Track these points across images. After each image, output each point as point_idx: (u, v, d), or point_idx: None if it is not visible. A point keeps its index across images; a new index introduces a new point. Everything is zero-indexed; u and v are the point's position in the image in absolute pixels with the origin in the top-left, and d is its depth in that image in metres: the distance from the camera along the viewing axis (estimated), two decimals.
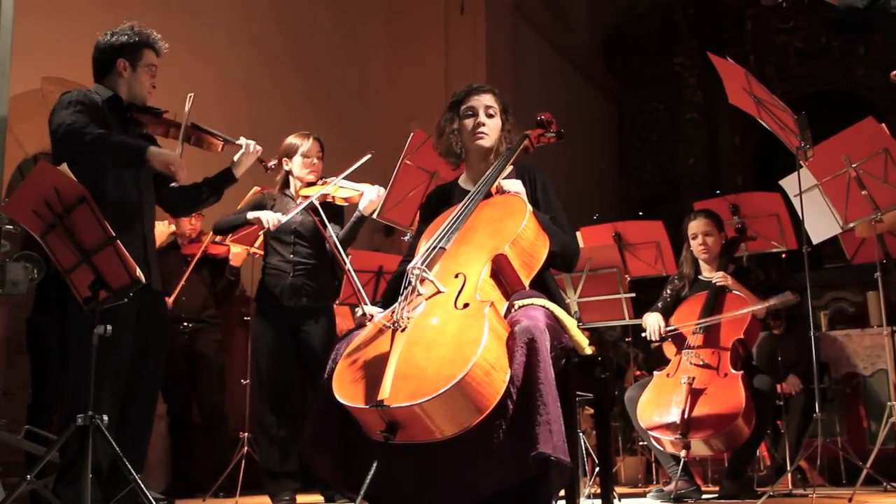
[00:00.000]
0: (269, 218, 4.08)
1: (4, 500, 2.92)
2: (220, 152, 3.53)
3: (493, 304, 2.34)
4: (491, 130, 2.90)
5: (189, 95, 3.37)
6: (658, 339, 4.46)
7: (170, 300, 5.22)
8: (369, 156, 4.19)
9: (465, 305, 2.35)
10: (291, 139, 4.31)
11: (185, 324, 5.42)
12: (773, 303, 4.27)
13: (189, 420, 5.62)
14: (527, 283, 2.58)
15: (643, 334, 4.55)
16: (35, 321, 4.81)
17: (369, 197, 4.20)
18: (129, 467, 2.72)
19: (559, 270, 2.95)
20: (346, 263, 3.93)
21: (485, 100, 2.92)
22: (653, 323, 4.46)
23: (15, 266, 2.96)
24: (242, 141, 3.51)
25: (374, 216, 4.39)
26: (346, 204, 4.30)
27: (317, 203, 4.15)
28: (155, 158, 3.17)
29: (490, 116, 2.91)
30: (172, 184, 3.40)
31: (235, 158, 3.52)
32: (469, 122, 2.91)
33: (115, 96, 3.32)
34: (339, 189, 4.22)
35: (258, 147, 3.55)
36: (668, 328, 4.44)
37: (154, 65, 3.40)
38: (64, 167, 3.57)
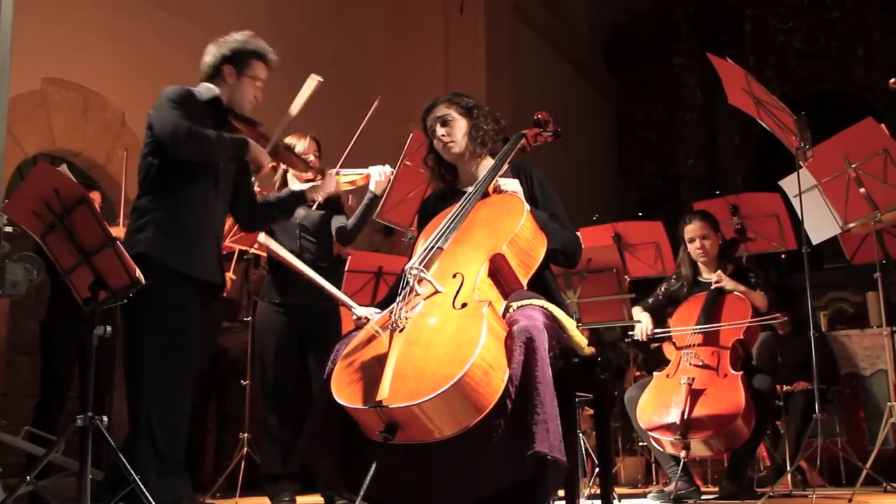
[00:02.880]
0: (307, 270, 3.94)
1: (4, 501, 2.92)
2: (304, 175, 3.60)
3: (491, 304, 2.34)
4: (453, 136, 2.93)
5: (288, 115, 3.44)
6: (645, 339, 4.47)
7: None
8: (377, 102, 4.18)
9: (464, 305, 2.35)
10: (288, 140, 4.32)
11: None
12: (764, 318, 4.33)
13: (205, 420, 5.61)
14: (525, 282, 2.58)
15: (630, 332, 4.56)
16: (49, 322, 4.83)
17: (376, 178, 4.21)
18: (129, 468, 2.72)
19: (562, 267, 2.95)
20: (316, 277, 3.80)
21: (437, 112, 2.96)
22: (643, 325, 4.47)
23: (15, 267, 2.96)
24: (331, 174, 3.62)
25: (374, 217, 4.39)
26: (353, 188, 4.30)
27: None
28: (252, 151, 3.26)
29: (448, 123, 2.94)
30: (252, 179, 3.47)
31: (312, 185, 3.60)
32: (435, 140, 2.97)
33: (216, 98, 3.37)
34: (343, 177, 4.24)
35: (335, 185, 3.66)
36: (657, 331, 4.46)
37: (261, 78, 3.43)
38: (63, 168, 3.58)
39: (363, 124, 4.21)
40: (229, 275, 5.26)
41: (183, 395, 3.17)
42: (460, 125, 2.94)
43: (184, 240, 3.13)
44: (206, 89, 3.38)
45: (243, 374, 5.56)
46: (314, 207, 4.09)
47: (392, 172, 4.26)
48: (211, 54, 3.41)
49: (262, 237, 3.95)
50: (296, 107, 3.50)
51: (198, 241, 3.18)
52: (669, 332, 4.45)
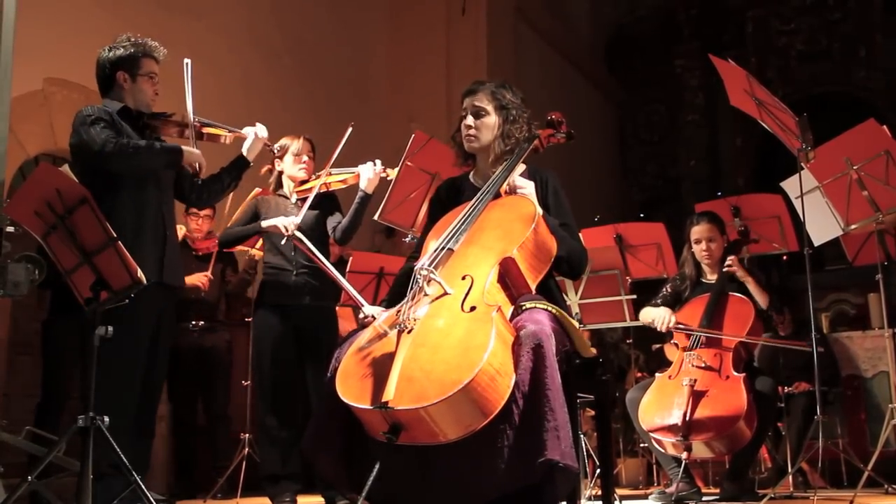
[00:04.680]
0: (287, 223, 4.04)
1: (6, 501, 2.92)
2: (227, 144, 3.73)
3: (500, 309, 2.32)
4: (479, 131, 2.86)
5: (186, 62, 3.59)
6: (665, 330, 4.41)
7: None
8: (350, 129, 4.20)
9: (473, 308, 2.33)
10: (281, 141, 4.33)
11: (195, 322, 5.44)
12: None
13: (194, 420, 5.62)
14: (534, 286, 2.56)
15: (650, 320, 4.47)
16: (51, 322, 4.83)
17: (367, 175, 4.18)
18: (130, 468, 2.72)
19: (565, 276, 2.92)
20: (335, 273, 3.82)
21: (475, 100, 2.88)
22: (663, 314, 4.41)
23: (16, 267, 2.96)
24: (248, 130, 3.74)
25: (376, 217, 4.38)
26: (345, 186, 4.29)
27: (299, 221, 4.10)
28: (188, 158, 3.43)
29: (480, 116, 2.86)
30: (195, 179, 3.58)
31: (245, 147, 3.74)
32: (462, 126, 2.90)
33: (125, 107, 3.45)
34: (333, 176, 4.24)
35: (263, 133, 3.78)
36: (679, 325, 4.41)
37: (154, 73, 3.53)
38: (65, 168, 3.58)
39: (337, 150, 4.20)
40: (206, 274, 5.36)
41: (129, 397, 3.25)
42: (490, 122, 2.86)
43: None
44: (110, 104, 3.45)
45: (228, 372, 5.59)
46: (308, 207, 4.10)
47: (382, 169, 4.25)
48: (100, 67, 3.50)
49: (297, 233, 3.97)
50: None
51: (135, 245, 3.12)
52: (686, 328, 4.38)
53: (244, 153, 3.73)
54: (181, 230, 5.36)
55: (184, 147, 3.41)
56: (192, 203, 3.85)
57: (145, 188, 3.40)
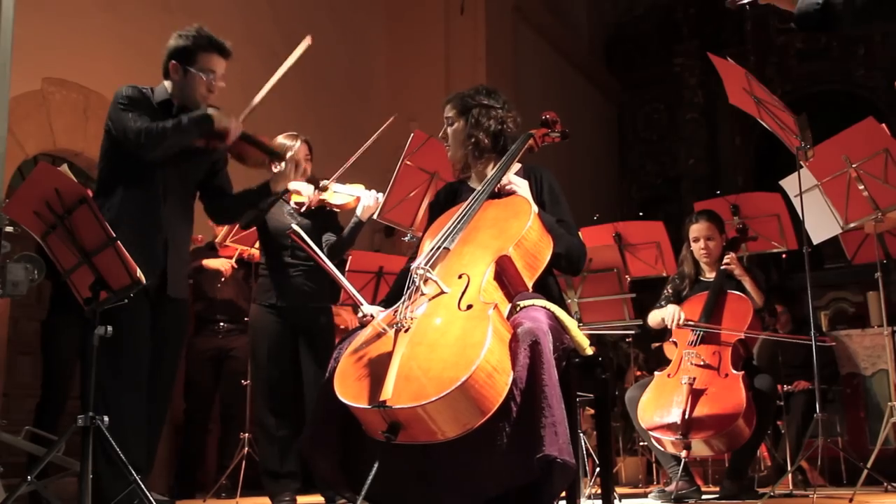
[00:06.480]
0: (309, 191, 4.00)
1: (5, 501, 2.92)
2: (263, 168, 3.44)
3: (496, 306, 2.32)
4: (451, 139, 2.97)
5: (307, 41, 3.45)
6: (677, 327, 4.37)
7: None
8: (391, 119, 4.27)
9: (469, 307, 2.34)
10: (280, 140, 4.30)
11: (220, 325, 5.45)
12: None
13: (207, 421, 5.63)
14: (530, 284, 2.57)
15: (659, 320, 4.45)
16: (52, 322, 4.84)
17: (366, 203, 4.18)
18: (130, 468, 2.72)
19: (564, 272, 2.94)
20: (334, 271, 3.81)
21: (445, 111, 3.00)
22: (672, 310, 4.39)
23: (15, 267, 2.96)
24: (288, 162, 3.44)
25: (375, 217, 4.39)
26: (339, 210, 4.29)
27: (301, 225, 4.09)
28: (218, 123, 3.14)
29: (450, 125, 2.98)
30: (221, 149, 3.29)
31: (274, 174, 3.45)
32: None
33: (167, 101, 3.26)
34: (335, 195, 4.21)
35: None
36: (689, 322, 4.39)
37: (210, 69, 3.25)
38: (64, 168, 3.57)
39: (371, 139, 4.22)
40: (231, 262, 5.33)
41: (134, 397, 3.09)
42: (457, 127, 2.95)
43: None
44: (161, 89, 3.30)
45: (244, 374, 5.58)
46: (301, 214, 4.10)
47: (381, 200, 4.27)
48: (166, 50, 3.30)
49: (295, 226, 3.87)
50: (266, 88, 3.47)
51: (135, 248, 2.93)
52: (698, 325, 4.35)
53: (271, 182, 3.44)
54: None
55: (214, 113, 3.13)
56: (208, 215, 3.62)
57: (154, 193, 3.19)
